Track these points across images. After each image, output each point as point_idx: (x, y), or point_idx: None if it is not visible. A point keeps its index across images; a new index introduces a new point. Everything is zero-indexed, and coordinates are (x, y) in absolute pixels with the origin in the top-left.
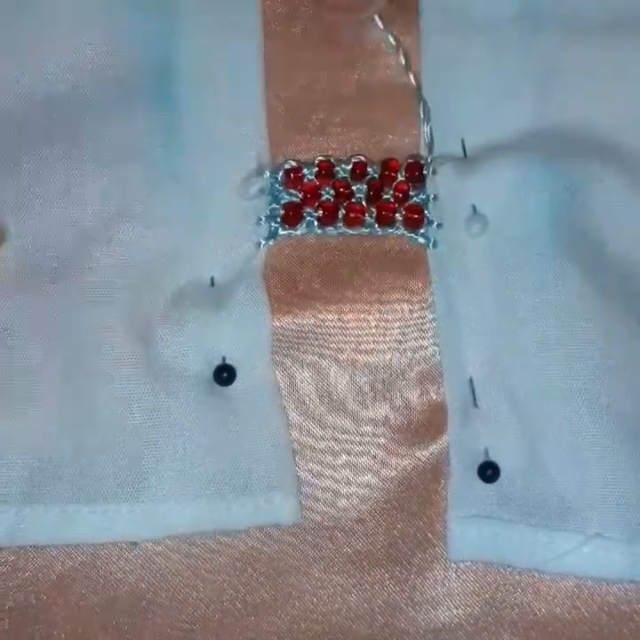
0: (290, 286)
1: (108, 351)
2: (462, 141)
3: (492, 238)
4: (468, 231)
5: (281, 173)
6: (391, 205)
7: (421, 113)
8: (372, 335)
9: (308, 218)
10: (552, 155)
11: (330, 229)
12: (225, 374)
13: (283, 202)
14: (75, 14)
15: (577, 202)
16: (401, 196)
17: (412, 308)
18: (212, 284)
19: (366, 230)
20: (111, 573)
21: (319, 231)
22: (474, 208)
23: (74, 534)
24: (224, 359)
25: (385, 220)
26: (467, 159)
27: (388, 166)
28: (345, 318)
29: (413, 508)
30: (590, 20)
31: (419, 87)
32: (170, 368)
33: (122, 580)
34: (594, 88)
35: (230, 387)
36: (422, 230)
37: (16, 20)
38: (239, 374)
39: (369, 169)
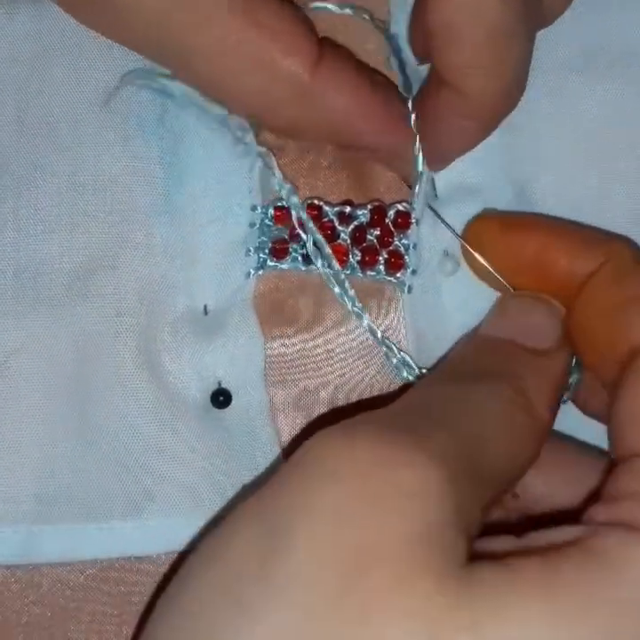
0: (278, 313)
1: (115, 376)
2: (433, 181)
3: (463, 280)
4: (441, 270)
5: (271, 209)
6: (376, 250)
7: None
8: (355, 364)
9: (294, 254)
10: (520, 191)
11: (313, 267)
12: (221, 398)
13: (271, 236)
14: None
15: None
16: (386, 240)
17: (389, 337)
18: (206, 312)
19: (348, 271)
20: (124, 586)
21: (303, 268)
22: (445, 252)
23: (83, 551)
24: (220, 383)
25: (368, 264)
26: (439, 208)
27: (376, 212)
28: (329, 343)
29: None
30: (556, 56)
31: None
32: (171, 393)
33: (134, 592)
34: (560, 122)
35: (226, 409)
36: (399, 274)
37: None
38: (234, 398)
39: (359, 212)
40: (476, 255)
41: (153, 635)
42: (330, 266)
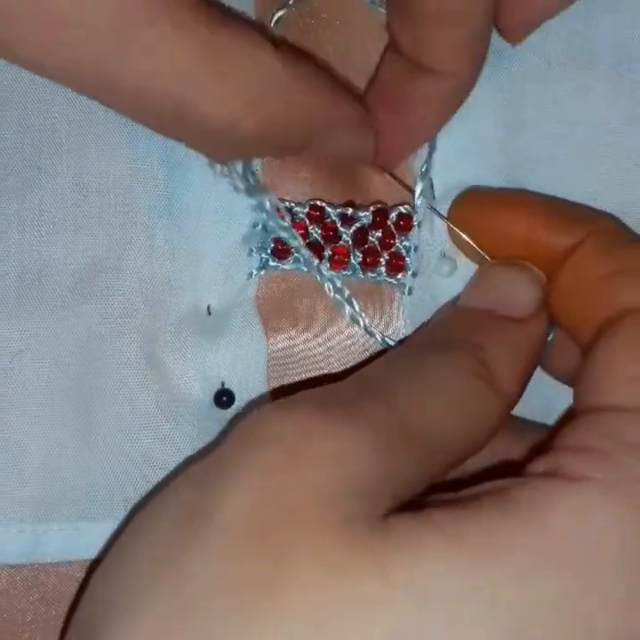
0: (280, 313)
1: (118, 377)
2: (431, 182)
3: (461, 282)
4: (439, 272)
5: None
6: (377, 251)
7: (420, 172)
8: (356, 363)
9: (296, 254)
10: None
11: (314, 269)
12: (224, 398)
13: (273, 236)
14: None
15: None
16: (387, 242)
17: (390, 338)
18: (209, 312)
19: (349, 273)
20: None
21: (305, 268)
22: (443, 253)
23: (87, 550)
24: (223, 384)
25: (369, 266)
26: (435, 210)
27: (378, 214)
28: (331, 344)
29: None
30: (553, 57)
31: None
32: (174, 393)
33: None
34: (556, 123)
35: (229, 410)
36: (400, 276)
37: None
38: (237, 398)
39: (361, 214)
40: (453, 227)
41: (93, 595)
42: (319, 271)
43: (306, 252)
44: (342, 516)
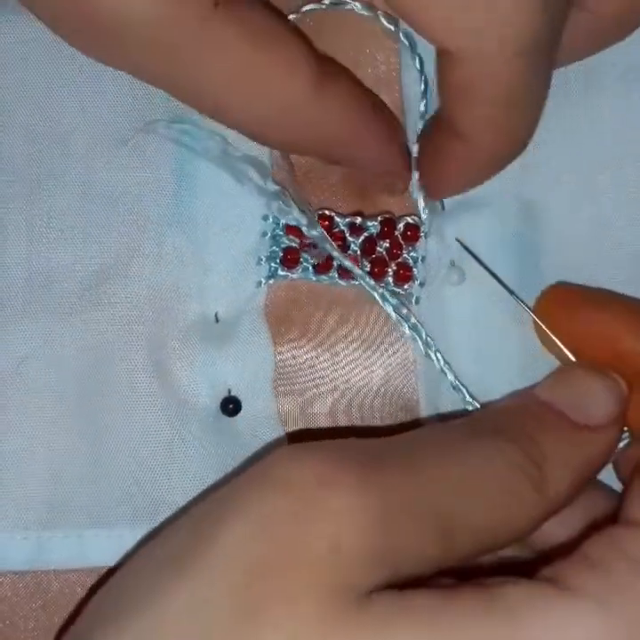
0: (288, 322)
1: (126, 384)
2: None
3: (469, 290)
4: (448, 281)
5: (282, 220)
6: (385, 261)
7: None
8: (361, 378)
9: (305, 263)
10: (525, 207)
11: (323, 278)
12: (231, 406)
13: (282, 245)
14: None
15: (544, 260)
16: (394, 252)
17: (395, 349)
18: (217, 320)
19: (357, 282)
20: None
21: (313, 278)
22: (452, 262)
23: (91, 558)
24: (229, 391)
25: (377, 276)
26: (445, 220)
27: (386, 224)
28: (336, 353)
29: None
30: (565, 75)
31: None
32: (182, 401)
33: None
34: (569, 139)
35: (235, 417)
36: (407, 286)
37: None
38: (244, 405)
39: (369, 224)
40: (541, 324)
41: (88, 610)
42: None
43: (369, 281)
44: (326, 584)
